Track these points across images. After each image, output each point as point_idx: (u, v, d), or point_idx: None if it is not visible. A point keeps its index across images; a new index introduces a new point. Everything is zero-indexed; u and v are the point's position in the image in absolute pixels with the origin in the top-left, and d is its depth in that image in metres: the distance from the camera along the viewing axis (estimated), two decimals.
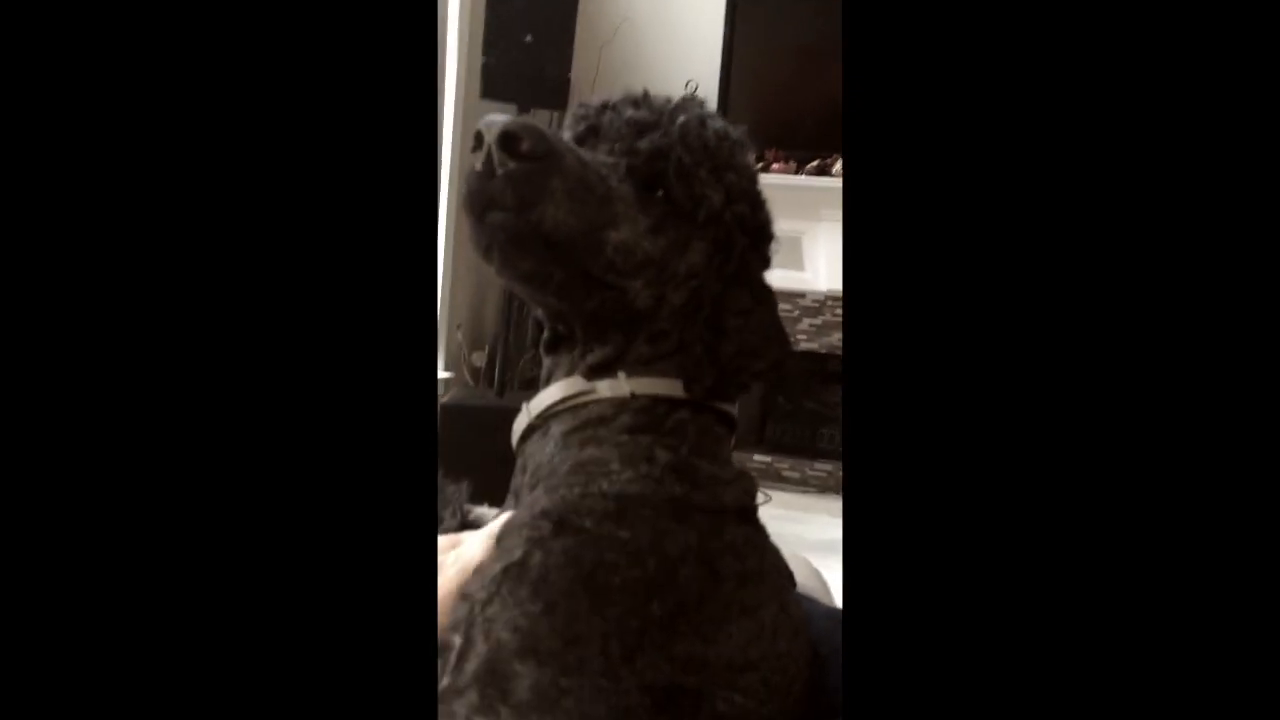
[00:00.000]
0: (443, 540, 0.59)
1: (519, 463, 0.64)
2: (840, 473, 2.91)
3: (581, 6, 2.75)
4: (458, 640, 0.49)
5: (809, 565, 1.02)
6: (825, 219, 2.86)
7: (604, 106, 0.62)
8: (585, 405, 0.60)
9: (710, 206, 0.60)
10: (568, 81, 2.58)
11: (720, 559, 0.55)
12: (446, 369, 3.01)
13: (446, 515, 0.70)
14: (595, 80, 2.94)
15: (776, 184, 2.81)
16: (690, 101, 0.63)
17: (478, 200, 0.53)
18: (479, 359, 3.19)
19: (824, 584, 0.97)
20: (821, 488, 2.95)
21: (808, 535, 2.40)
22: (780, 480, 2.97)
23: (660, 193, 0.59)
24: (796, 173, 2.86)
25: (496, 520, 0.59)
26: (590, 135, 0.61)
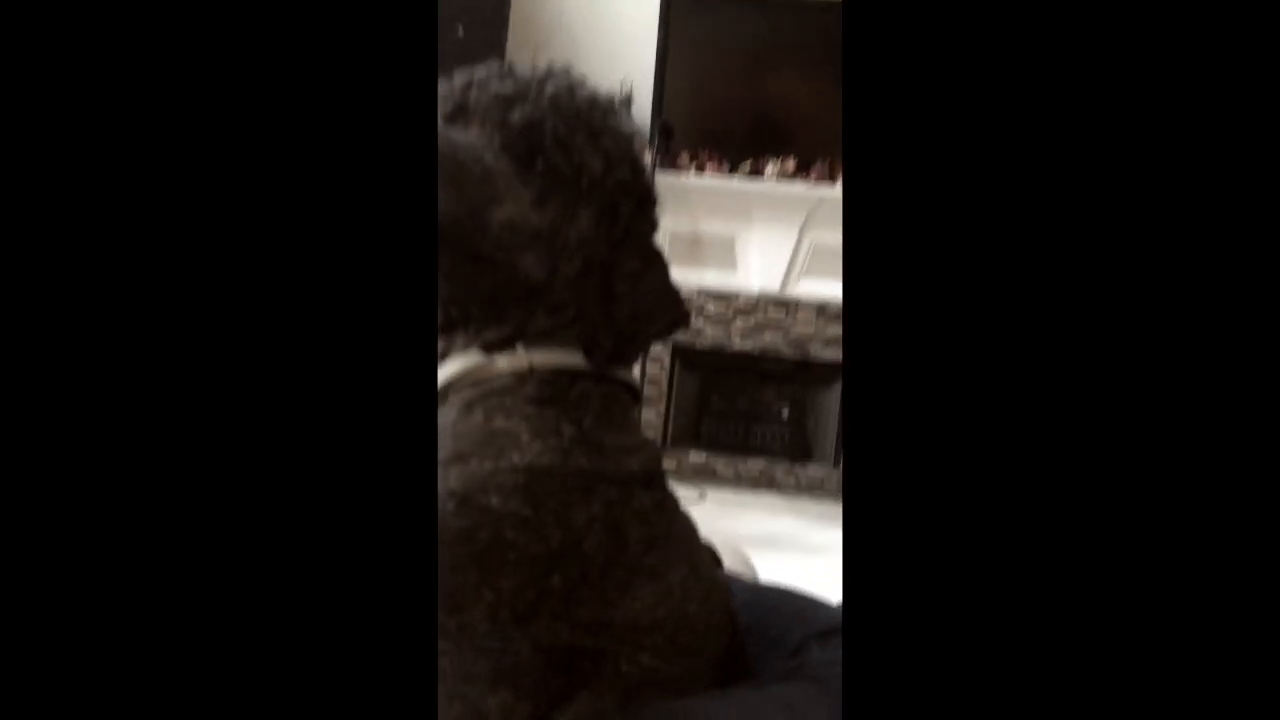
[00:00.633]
0: None
1: None
2: (772, 470, 2.97)
3: (515, 7, 2.74)
4: None
5: (739, 553, 1.04)
6: (758, 220, 2.91)
7: (468, 84, 0.61)
8: (486, 379, 0.60)
9: (591, 173, 0.60)
10: None
11: (627, 526, 0.55)
12: None
13: None
14: None
15: (710, 186, 2.84)
16: (557, 71, 0.62)
17: None
18: None
19: (752, 570, 0.99)
20: (755, 484, 2.99)
21: (741, 530, 2.43)
22: (715, 477, 3.00)
23: (540, 163, 0.58)
24: (730, 174, 2.89)
25: None
26: (459, 114, 0.60)
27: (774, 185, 2.83)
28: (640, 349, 0.65)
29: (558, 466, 0.55)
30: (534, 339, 0.61)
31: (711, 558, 0.63)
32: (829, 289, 2.87)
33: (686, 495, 0.74)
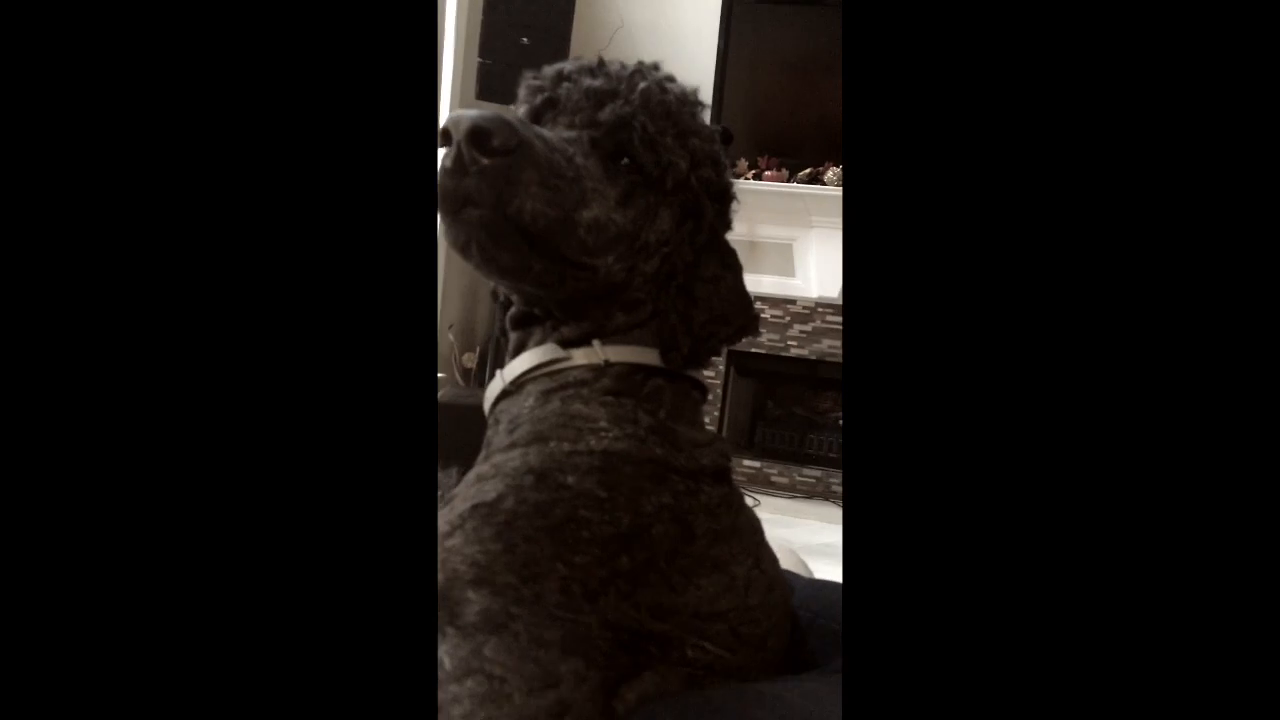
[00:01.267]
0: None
1: (491, 420, 0.64)
2: (828, 479, 2.94)
3: (578, 11, 2.78)
4: None
5: (794, 555, 1.04)
6: (817, 226, 2.89)
7: (560, 76, 0.61)
8: (562, 371, 0.61)
9: (677, 172, 0.60)
10: None
11: (694, 517, 0.56)
12: (438, 369, 3.02)
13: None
14: None
15: (769, 191, 2.83)
16: (647, 67, 0.62)
17: (452, 198, 0.53)
18: (470, 360, 3.19)
19: (809, 572, 0.98)
20: (809, 493, 2.96)
21: (796, 540, 2.40)
22: (769, 485, 2.98)
23: (625, 161, 0.59)
24: (789, 180, 2.88)
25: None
26: (548, 108, 0.60)
27: (833, 191, 2.81)
28: (714, 353, 0.65)
29: (633, 453, 0.56)
30: (610, 336, 0.62)
31: (761, 534, 0.64)
32: None
33: None
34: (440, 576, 0.49)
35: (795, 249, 2.93)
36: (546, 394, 0.60)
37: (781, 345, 2.94)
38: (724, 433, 3.04)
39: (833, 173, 2.85)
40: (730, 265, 0.65)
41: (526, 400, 0.61)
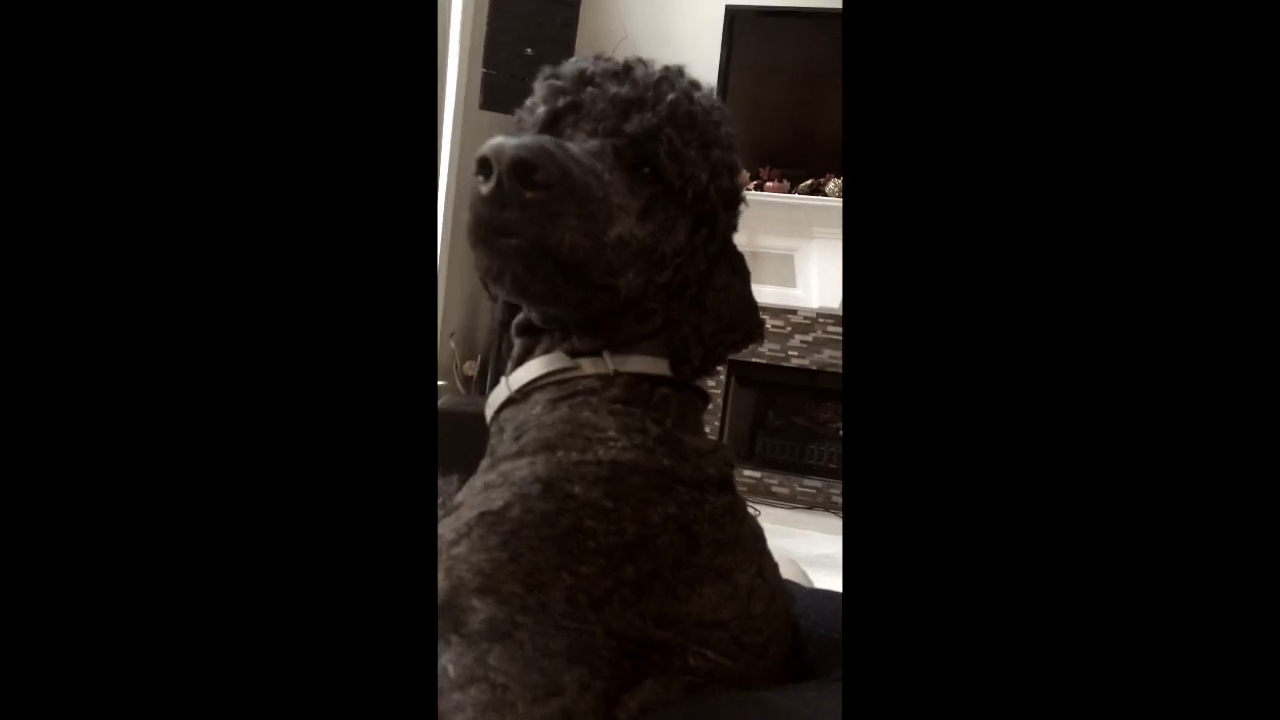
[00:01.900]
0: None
1: (494, 428, 0.63)
2: (829, 489, 2.93)
3: (582, 21, 2.79)
4: None
5: (794, 565, 1.04)
6: (818, 237, 2.89)
7: (582, 78, 0.59)
8: (571, 379, 0.61)
9: (697, 184, 0.59)
10: None
11: (699, 527, 0.56)
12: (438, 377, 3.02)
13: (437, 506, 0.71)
14: None
15: (770, 202, 2.84)
16: (673, 73, 0.61)
17: (489, 227, 0.52)
18: (471, 368, 3.19)
19: (809, 582, 0.98)
20: (810, 504, 2.96)
21: (796, 550, 2.40)
22: (770, 496, 2.98)
23: (646, 170, 0.57)
24: (790, 191, 2.89)
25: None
26: (570, 111, 0.58)
27: (834, 202, 2.82)
28: (720, 362, 0.64)
29: (641, 463, 0.56)
30: (620, 345, 0.61)
31: (763, 542, 0.64)
32: None
33: None
34: (445, 584, 0.49)
35: (796, 259, 2.93)
36: (554, 402, 0.60)
37: (782, 355, 2.95)
38: (724, 443, 3.04)
39: (834, 184, 2.86)
40: (739, 272, 0.65)
41: (533, 408, 0.60)
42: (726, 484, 0.61)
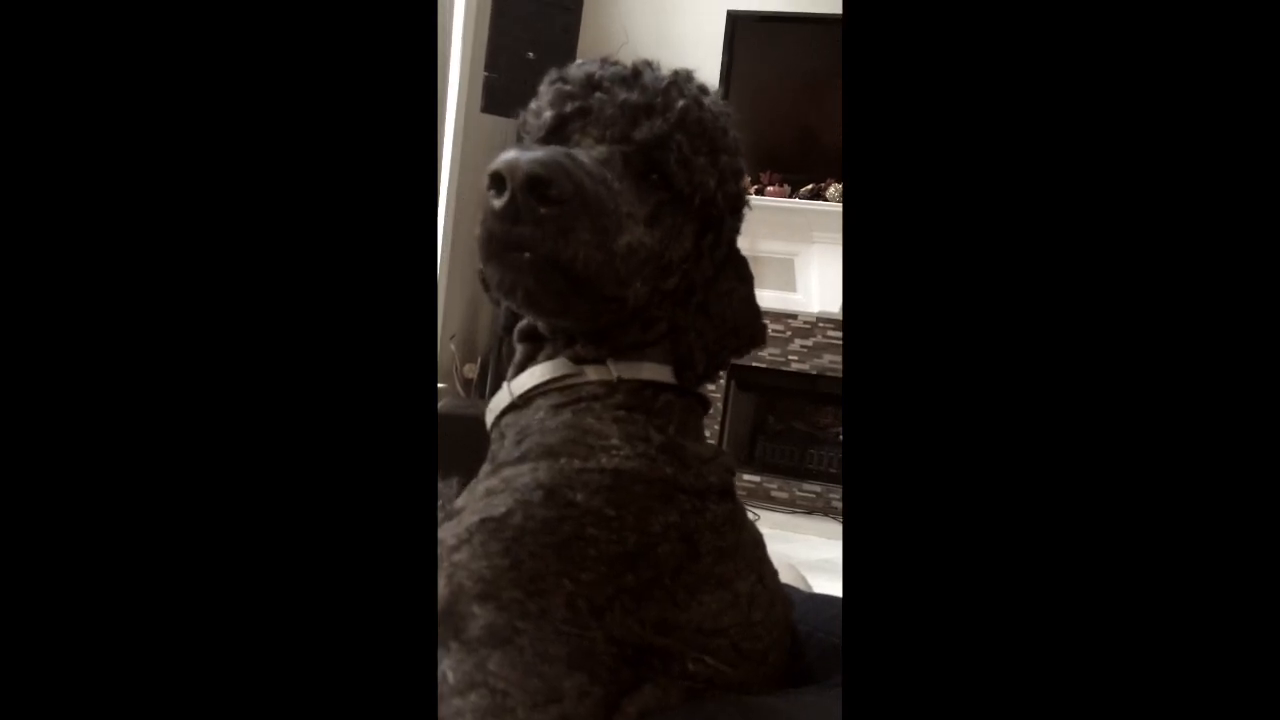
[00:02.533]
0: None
1: (495, 433, 0.63)
2: (828, 494, 2.93)
3: (584, 25, 2.80)
4: None
5: (794, 569, 1.03)
6: (818, 241, 2.90)
7: (590, 83, 0.58)
8: (574, 386, 0.60)
9: (705, 191, 0.59)
10: None
11: (700, 535, 0.56)
12: (438, 380, 3.02)
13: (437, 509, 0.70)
14: None
15: (771, 206, 2.84)
16: (683, 77, 0.60)
17: (502, 242, 0.52)
18: (471, 371, 3.19)
19: (808, 587, 0.98)
20: (809, 508, 2.95)
21: (796, 555, 2.40)
22: (769, 500, 2.98)
23: (654, 177, 0.57)
24: (791, 196, 2.89)
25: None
26: (578, 116, 0.58)
27: (834, 207, 2.82)
28: (723, 367, 0.64)
29: (644, 472, 0.56)
30: (624, 352, 0.61)
31: (763, 549, 0.64)
32: None
33: None
34: (446, 590, 0.49)
35: (796, 264, 2.94)
36: (557, 408, 0.60)
37: (782, 360, 2.95)
38: (724, 446, 3.03)
39: (835, 188, 2.86)
40: (744, 277, 0.65)
41: (536, 414, 0.60)
42: (727, 491, 0.61)
